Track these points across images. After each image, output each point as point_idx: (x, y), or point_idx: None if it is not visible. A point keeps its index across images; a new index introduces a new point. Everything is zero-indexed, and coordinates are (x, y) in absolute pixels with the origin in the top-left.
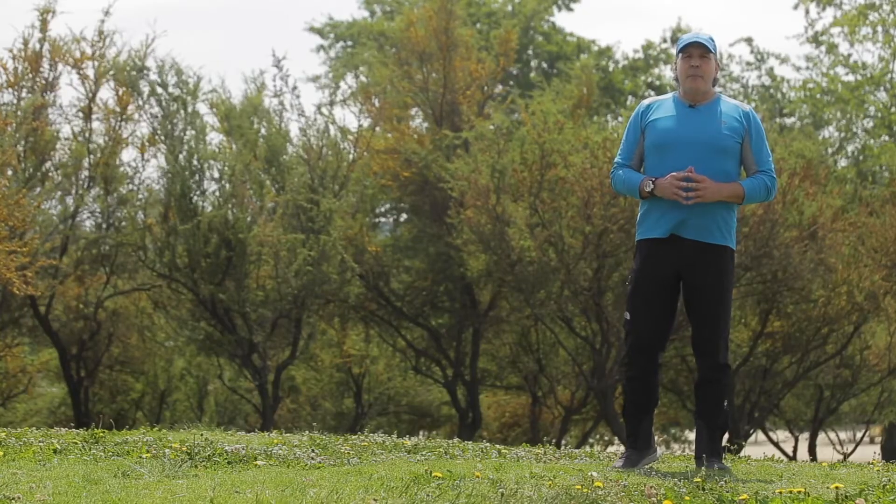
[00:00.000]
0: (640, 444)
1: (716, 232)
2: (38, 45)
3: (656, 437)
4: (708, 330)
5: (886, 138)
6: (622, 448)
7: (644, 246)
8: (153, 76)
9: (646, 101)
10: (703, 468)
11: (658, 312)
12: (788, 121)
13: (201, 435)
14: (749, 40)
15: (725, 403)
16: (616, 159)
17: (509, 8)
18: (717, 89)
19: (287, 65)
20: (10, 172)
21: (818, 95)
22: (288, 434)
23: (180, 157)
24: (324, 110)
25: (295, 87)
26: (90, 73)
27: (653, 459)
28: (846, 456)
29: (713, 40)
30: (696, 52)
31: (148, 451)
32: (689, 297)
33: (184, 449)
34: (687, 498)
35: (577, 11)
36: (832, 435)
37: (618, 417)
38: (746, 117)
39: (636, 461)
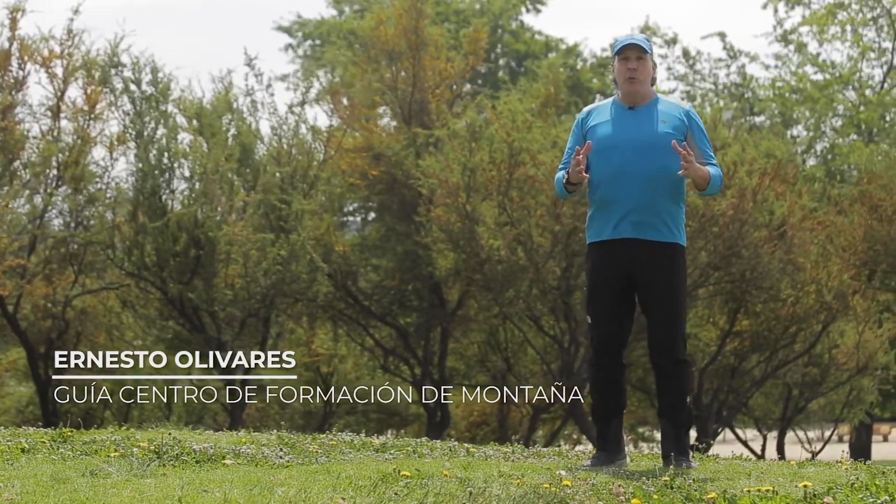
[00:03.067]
0: (611, 447)
1: (664, 230)
2: (6, 44)
3: (625, 436)
4: (663, 327)
5: (855, 137)
6: (590, 447)
7: (594, 249)
8: (127, 73)
9: (586, 109)
10: (671, 467)
11: (617, 313)
12: (758, 119)
13: (169, 434)
14: (722, 35)
15: (688, 400)
16: (559, 166)
17: (477, 6)
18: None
19: (259, 64)
20: None
21: (787, 94)
22: (256, 433)
23: (151, 155)
24: (295, 110)
25: (269, 86)
26: (59, 71)
27: (622, 465)
28: (814, 454)
29: (648, 41)
30: (633, 55)
31: (116, 451)
32: (642, 296)
33: (152, 448)
34: (655, 497)
35: (546, 11)
36: (801, 433)
37: (586, 416)
38: (687, 115)
39: (605, 462)
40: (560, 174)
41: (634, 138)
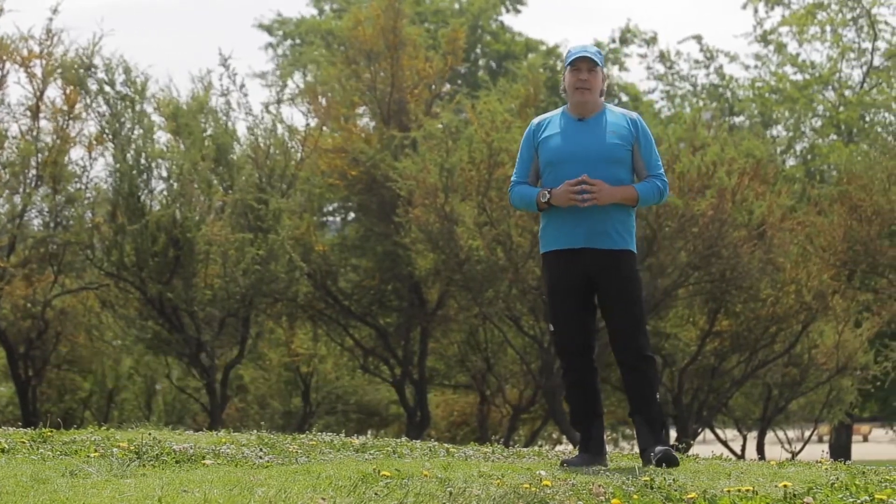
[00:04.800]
0: (593, 448)
1: (616, 237)
2: None
3: (605, 438)
4: (625, 325)
5: (835, 137)
6: (570, 447)
7: (550, 258)
8: (101, 74)
9: (536, 120)
10: (650, 465)
11: (578, 317)
12: (737, 119)
13: (149, 434)
14: (698, 38)
15: (657, 395)
16: (512, 178)
17: (456, 6)
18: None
19: (234, 63)
20: None
21: (767, 94)
22: (236, 433)
23: (128, 156)
24: (271, 109)
25: (243, 86)
26: (38, 71)
27: (603, 466)
28: (794, 454)
29: (601, 53)
30: (585, 66)
31: (96, 451)
32: (601, 302)
33: (132, 448)
34: (635, 496)
35: (526, 12)
36: (780, 434)
37: (566, 416)
38: (634, 125)
39: (586, 464)
40: (532, 191)
41: (584, 150)
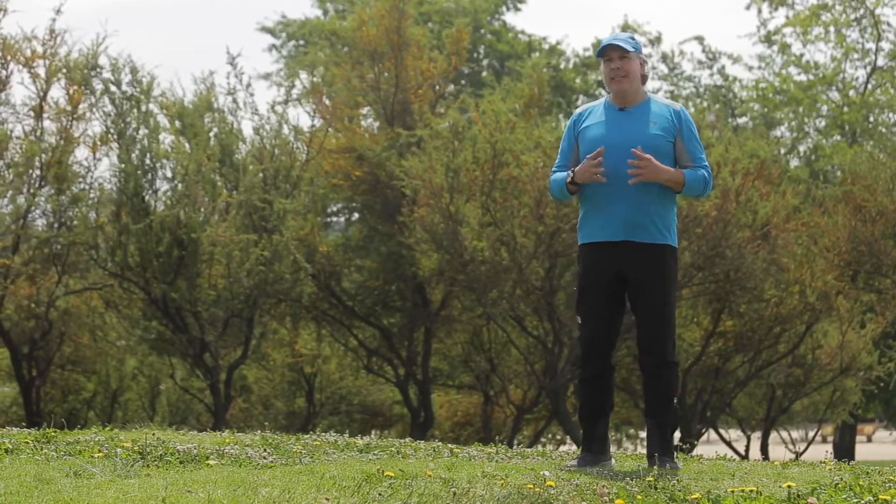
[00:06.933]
0: (596, 448)
1: (655, 232)
2: None
3: (610, 437)
4: (653, 328)
5: (838, 138)
6: (574, 447)
7: (586, 250)
8: (107, 74)
9: (578, 110)
10: (655, 467)
11: (607, 313)
12: (741, 120)
13: (153, 434)
14: (700, 39)
15: (675, 400)
16: (553, 168)
17: (455, 6)
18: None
19: (241, 62)
20: None
21: (770, 95)
22: (240, 433)
23: (133, 156)
24: (277, 109)
25: (249, 85)
26: (41, 71)
27: (606, 466)
28: (798, 455)
29: (633, 39)
30: (615, 55)
31: (100, 451)
32: (633, 296)
33: (136, 448)
34: (639, 497)
35: (528, 11)
36: (784, 434)
37: (570, 416)
38: (677, 116)
39: (590, 463)
40: (561, 175)
41: (625, 140)
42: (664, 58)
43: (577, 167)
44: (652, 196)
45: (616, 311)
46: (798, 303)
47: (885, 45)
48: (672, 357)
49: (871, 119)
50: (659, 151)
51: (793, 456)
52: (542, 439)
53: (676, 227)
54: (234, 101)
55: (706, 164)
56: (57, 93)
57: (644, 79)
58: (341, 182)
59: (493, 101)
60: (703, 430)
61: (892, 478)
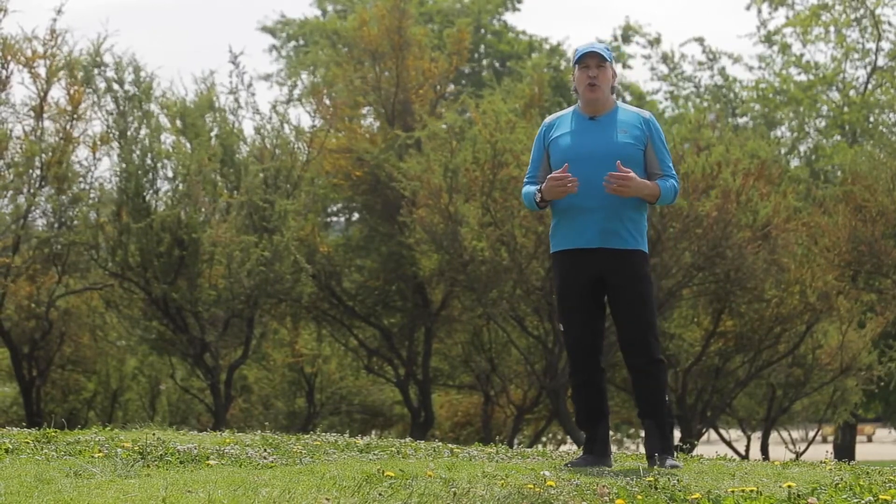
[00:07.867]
0: (597, 450)
1: (629, 237)
2: None
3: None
4: (636, 329)
5: (839, 138)
6: (575, 447)
7: (561, 258)
8: (109, 73)
9: (548, 119)
10: (655, 467)
11: (588, 318)
12: (741, 120)
13: (153, 434)
14: (700, 40)
15: (667, 398)
16: (525, 178)
17: (458, 6)
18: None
19: (242, 62)
20: None
21: (771, 95)
22: (240, 433)
23: (134, 155)
24: (278, 108)
25: (250, 85)
26: (41, 71)
27: (607, 467)
28: (798, 455)
29: (609, 49)
30: (593, 62)
31: (100, 451)
32: (611, 302)
33: (136, 448)
34: (640, 497)
35: (528, 11)
36: (784, 434)
37: (570, 416)
38: (647, 124)
39: (590, 465)
40: (531, 189)
41: (595, 149)
42: (664, 58)
43: (544, 185)
44: (623, 203)
45: (597, 314)
46: (798, 303)
47: (886, 45)
48: (658, 355)
49: (872, 119)
50: (630, 160)
51: (793, 456)
52: (543, 439)
53: (646, 231)
54: (236, 100)
55: (674, 172)
56: (57, 93)
57: (613, 89)
58: (342, 182)
59: (494, 101)
60: (704, 430)
61: (892, 478)
